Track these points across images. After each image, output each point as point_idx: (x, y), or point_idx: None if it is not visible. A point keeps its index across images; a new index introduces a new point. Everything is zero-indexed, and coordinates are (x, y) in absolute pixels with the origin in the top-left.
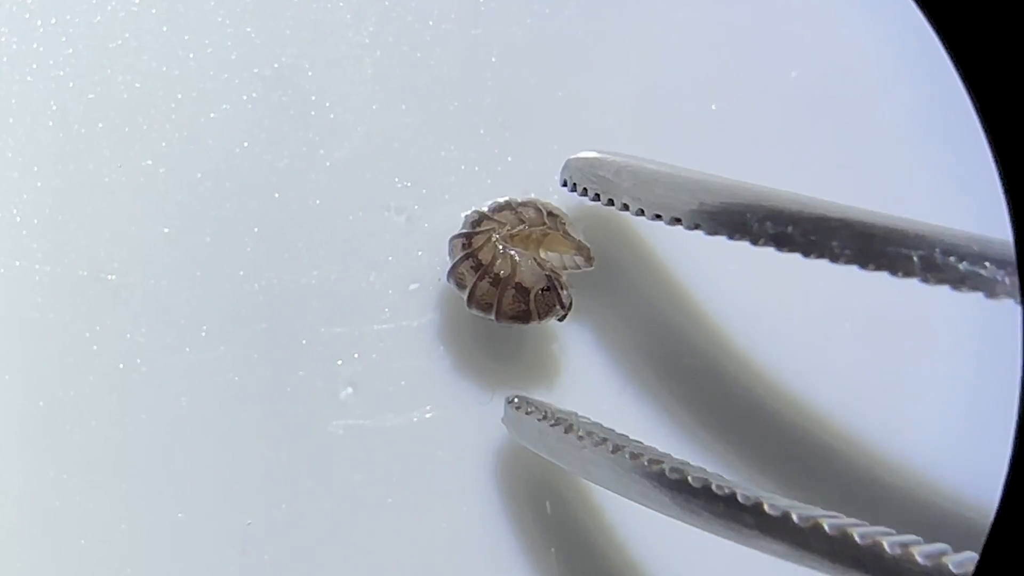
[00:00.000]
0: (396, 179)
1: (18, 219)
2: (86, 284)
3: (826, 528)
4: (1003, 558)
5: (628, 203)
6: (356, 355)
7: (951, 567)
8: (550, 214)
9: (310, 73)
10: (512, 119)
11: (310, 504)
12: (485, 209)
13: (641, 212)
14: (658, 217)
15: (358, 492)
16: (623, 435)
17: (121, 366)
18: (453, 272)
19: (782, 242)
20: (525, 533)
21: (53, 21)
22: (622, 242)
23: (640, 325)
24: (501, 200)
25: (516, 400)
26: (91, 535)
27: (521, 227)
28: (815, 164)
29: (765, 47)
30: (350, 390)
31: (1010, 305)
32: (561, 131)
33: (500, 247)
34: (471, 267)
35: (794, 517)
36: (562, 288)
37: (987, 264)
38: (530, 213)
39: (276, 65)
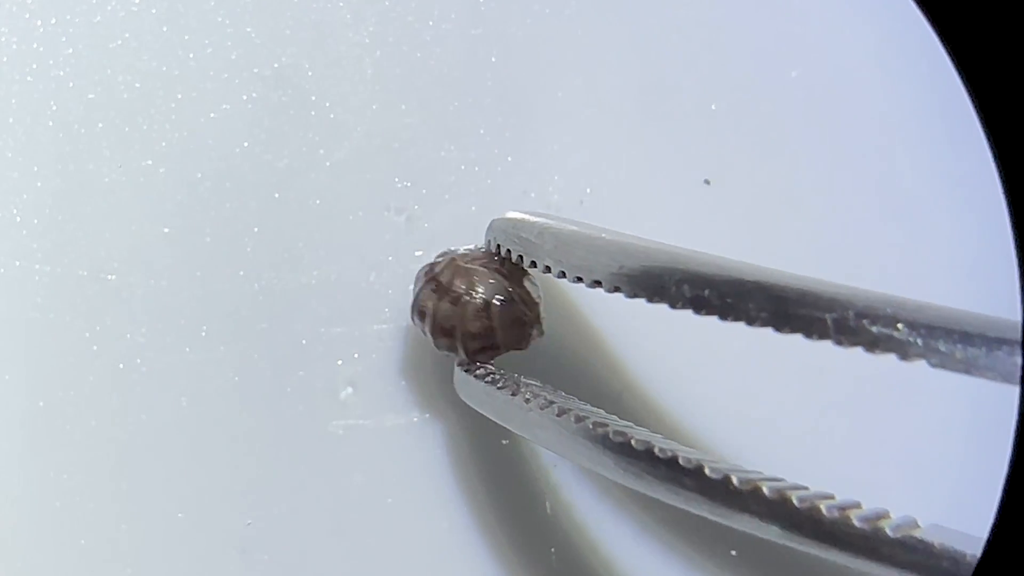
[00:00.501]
0: (396, 179)
1: (18, 219)
2: (86, 284)
3: (765, 491)
4: (1003, 559)
5: (550, 265)
6: (356, 355)
7: (888, 531)
8: (514, 265)
9: (310, 73)
10: (512, 119)
11: (310, 504)
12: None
13: (563, 274)
14: (579, 280)
15: (358, 492)
16: (570, 397)
17: (121, 366)
18: (416, 305)
19: (699, 305)
20: (525, 533)
21: (53, 21)
22: None
23: (640, 326)
24: (470, 246)
25: (465, 363)
26: (91, 535)
27: (484, 259)
28: (815, 164)
29: (765, 47)
30: (350, 390)
31: (1014, 307)
32: (561, 131)
33: (460, 264)
34: (431, 290)
35: (734, 480)
36: (523, 302)
37: (899, 326)
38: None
39: (276, 65)
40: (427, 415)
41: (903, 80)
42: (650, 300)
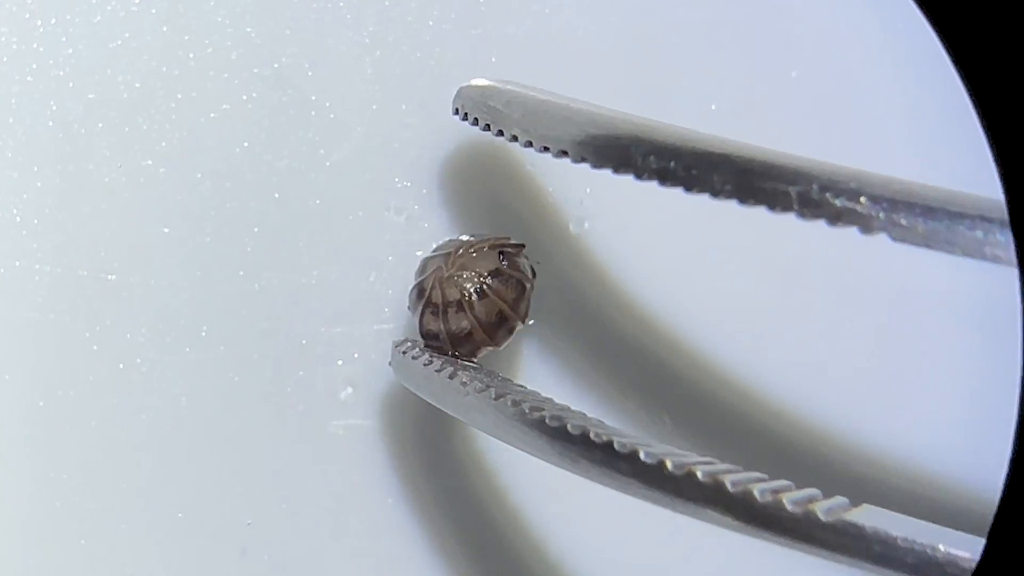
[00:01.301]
0: (396, 179)
1: (18, 219)
2: (86, 284)
3: (699, 476)
4: (1003, 559)
5: (517, 135)
6: (356, 355)
7: (819, 514)
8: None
9: (310, 73)
10: None
11: (310, 504)
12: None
13: (530, 144)
14: (546, 149)
15: (358, 492)
16: (507, 380)
17: (121, 366)
18: (423, 330)
19: (664, 176)
20: (525, 533)
21: (53, 21)
22: (620, 240)
23: (640, 325)
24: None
25: (402, 343)
26: (91, 535)
27: (452, 251)
28: None
29: (765, 47)
30: (350, 390)
31: (1010, 304)
32: None
33: (443, 275)
34: (432, 314)
35: (668, 465)
36: (490, 286)
37: (862, 200)
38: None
39: (276, 65)
40: (427, 415)
41: (903, 80)
42: (616, 171)
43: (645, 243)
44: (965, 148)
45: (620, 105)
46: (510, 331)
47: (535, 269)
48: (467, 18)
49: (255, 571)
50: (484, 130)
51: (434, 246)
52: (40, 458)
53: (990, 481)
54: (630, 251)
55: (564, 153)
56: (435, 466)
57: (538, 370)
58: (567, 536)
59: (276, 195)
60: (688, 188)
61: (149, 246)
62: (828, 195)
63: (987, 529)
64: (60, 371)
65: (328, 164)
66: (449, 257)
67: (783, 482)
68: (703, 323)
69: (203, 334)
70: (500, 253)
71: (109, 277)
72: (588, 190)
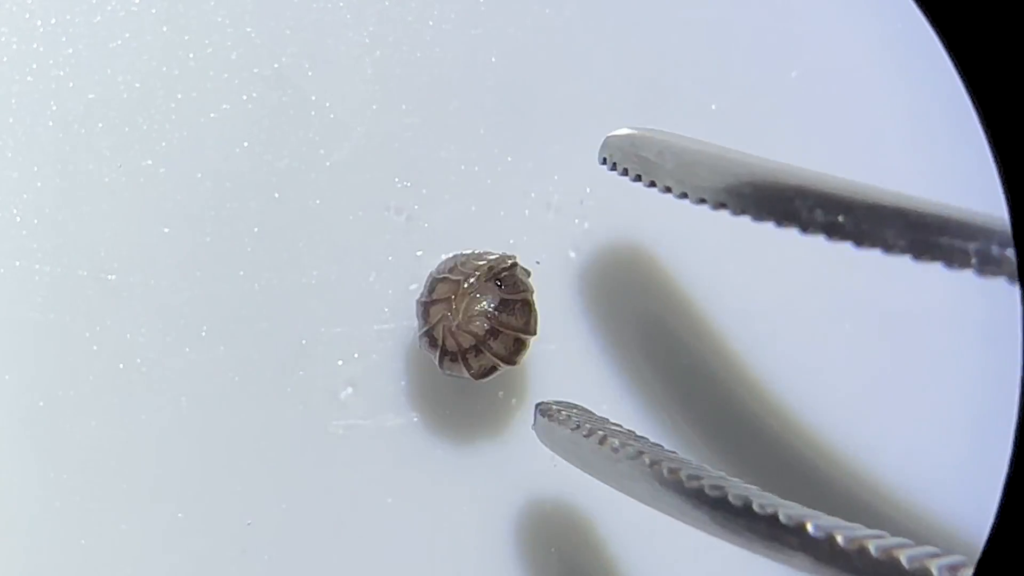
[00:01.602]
0: (396, 179)
1: (18, 219)
2: (86, 284)
3: (872, 550)
4: (1003, 560)
5: (671, 186)
6: (356, 355)
7: None
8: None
9: (310, 73)
10: (512, 119)
11: (310, 504)
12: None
13: (684, 195)
14: (702, 201)
15: (358, 492)
16: (657, 445)
17: (121, 366)
18: (441, 369)
19: (833, 231)
20: (525, 533)
21: (53, 21)
22: (620, 240)
23: (639, 325)
24: (457, 261)
25: (547, 407)
26: (91, 535)
27: (451, 295)
28: (815, 164)
29: (765, 47)
30: (350, 390)
31: (1014, 305)
32: (561, 131)
33: (451, 325)
34: (428, 344)
35: (839, 539)
36: (500, 322)
37: None
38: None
39: (276, 65)
40: (427, 415)
41: (903, 80)
42: (779, 224)
43: (645, 243)
44: (965, 148)
45: (621, 105)
46: (526, 348)
47: (531, 271)
48: (467, 18)
49: (255, 571)
50: (635, 180)
51: (438, 262)
52: (40, 458)
53: (989, 485)
54: (630, 250)
55: (723, 205)
56: (435, 466)
57: (543, 368)
58: (567, 533)
59: (276, 195)
60: (858, 243)
61: (149, 246)
62: (1009, 252)
63: (987, 532)
64: (60, 371)
65: (328, 164)
66: (451, 303)
67: (958, 557)
68: (703, 322)
69: (203, 334)
70: (497, 281)
71: (109, 277)
72: (588, 190)
